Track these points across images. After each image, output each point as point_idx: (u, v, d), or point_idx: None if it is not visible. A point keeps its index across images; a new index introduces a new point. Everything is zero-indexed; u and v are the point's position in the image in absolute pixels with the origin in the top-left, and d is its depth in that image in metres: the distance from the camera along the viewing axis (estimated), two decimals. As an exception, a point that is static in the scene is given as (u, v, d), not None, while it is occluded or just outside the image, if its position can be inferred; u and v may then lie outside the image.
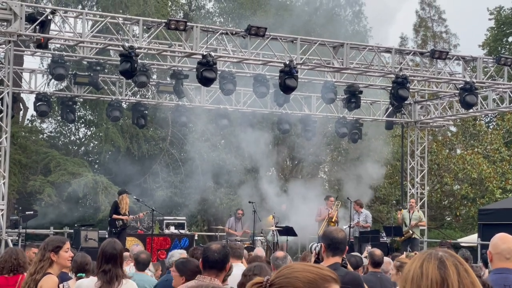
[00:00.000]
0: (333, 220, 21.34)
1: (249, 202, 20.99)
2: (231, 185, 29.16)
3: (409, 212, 22.49)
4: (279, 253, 8.93)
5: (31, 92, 21.75)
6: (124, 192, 20.42)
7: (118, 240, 7.20)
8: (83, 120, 32.05)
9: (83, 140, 33.17)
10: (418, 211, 23.67)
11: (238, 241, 18.58)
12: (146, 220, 21.80)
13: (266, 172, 31.61)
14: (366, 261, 10.42)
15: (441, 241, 14.50)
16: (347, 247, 6.21)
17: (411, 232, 22.10)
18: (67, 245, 6.73)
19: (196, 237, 22.21)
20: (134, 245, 10.88)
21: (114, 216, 19.62)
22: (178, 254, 9.10)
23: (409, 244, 21.38)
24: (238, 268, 7.45)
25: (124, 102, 23.15)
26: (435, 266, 2.80)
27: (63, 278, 7.37)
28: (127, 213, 19.69)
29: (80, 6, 29.39)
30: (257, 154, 26.86)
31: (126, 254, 10.82)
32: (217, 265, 5.05)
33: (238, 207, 23.12)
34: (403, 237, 21.83)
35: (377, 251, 10.10)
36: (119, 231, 19.46)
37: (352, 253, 10.77)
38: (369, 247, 15.70)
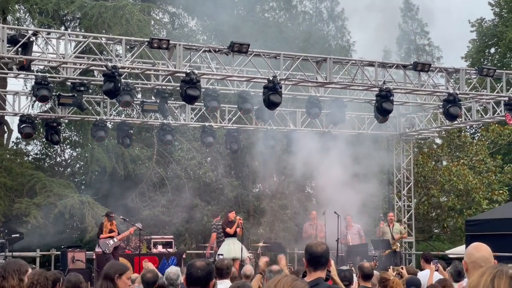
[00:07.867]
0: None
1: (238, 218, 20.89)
2: (218, 202, 29.08)
3: (389, 226, 22.51)
4: (274, 267, 8.93)
5: (15, 115, 21.65)
6: (105, 215, 20.86)
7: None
8: (68, 141, 31.93)
9: (68, 161, 33.04)
10: (400, 224, 23.72)
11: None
12: (133, 240, 21.74)
13: (253, 188, 31.58)
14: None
15: (424, 253, 14.42)
16: (330, 260, 6.19)
17: (398, 245, 22.16)
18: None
19: (184, 256, 22.12)
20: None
21: (101, 236, 19.84)
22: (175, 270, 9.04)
23: (393, 258, 21.39)
24: (224, 286, 7.44)
25: (109, 122, 23.11)
26: (506, 284, 2.81)
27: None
28: (115, 231, 20.02)
29: (62, 27, 29.36)
30: (245, 171, 26.82)
31: (135, 275, 10.66)
32: (200, 282, 5.03)
33: None
34: (387, 251, 21.80)
35: (366, 264, 9.99)
36: (112, 251, 19.72)
37: (342, 267, 10.68)
38: (351, 263, 15.72)
